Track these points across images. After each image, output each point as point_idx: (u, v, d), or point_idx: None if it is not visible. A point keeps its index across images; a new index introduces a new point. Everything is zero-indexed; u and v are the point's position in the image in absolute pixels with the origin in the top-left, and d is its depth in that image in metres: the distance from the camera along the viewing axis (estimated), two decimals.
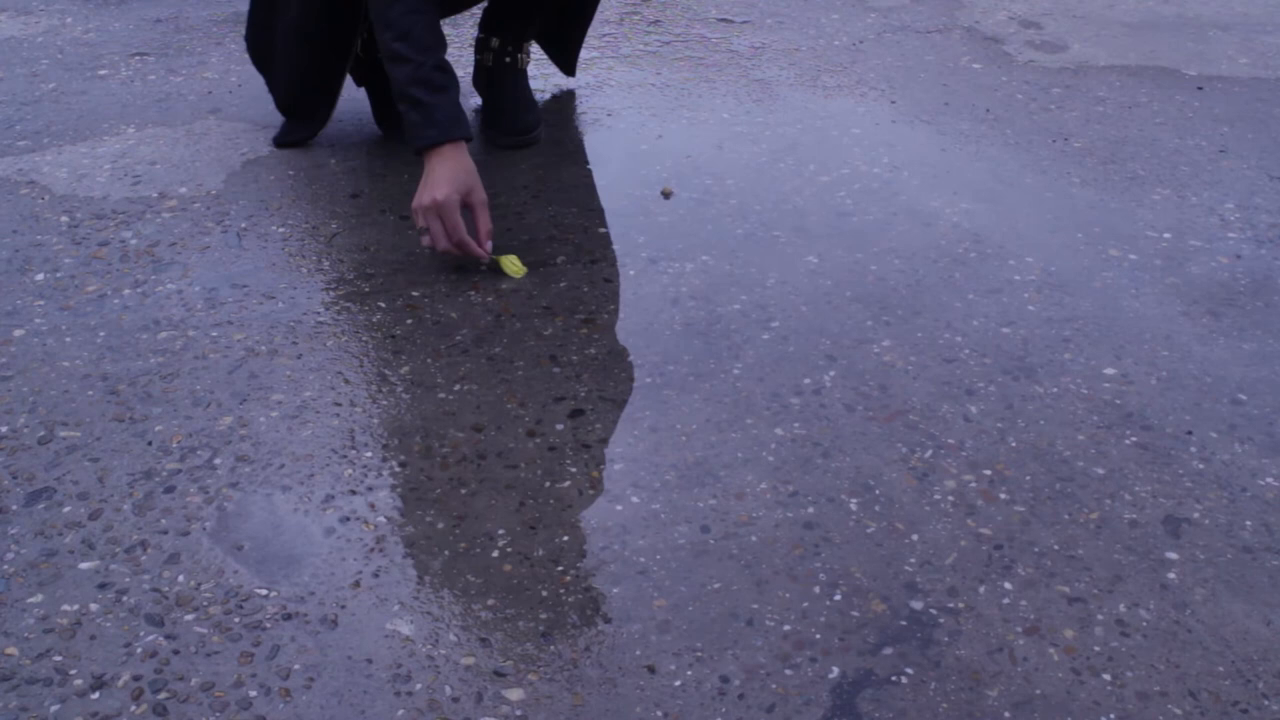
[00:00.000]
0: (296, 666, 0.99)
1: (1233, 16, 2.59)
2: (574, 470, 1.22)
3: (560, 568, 1.09)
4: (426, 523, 1.14)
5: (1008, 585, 1.07)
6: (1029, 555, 1.11)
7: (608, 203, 1.76)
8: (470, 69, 2.11)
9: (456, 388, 1.34)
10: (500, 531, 1.13)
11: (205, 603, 1.05)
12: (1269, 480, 1.20)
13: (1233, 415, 1.30)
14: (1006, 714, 0.95)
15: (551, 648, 1.01)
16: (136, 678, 0.97)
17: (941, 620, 1.03)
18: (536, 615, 1.04)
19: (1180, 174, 1.86)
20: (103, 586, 1.06)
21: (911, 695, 0.96)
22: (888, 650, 1.00)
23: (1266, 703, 0.95)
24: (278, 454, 1.23)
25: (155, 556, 1.10)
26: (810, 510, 1.16)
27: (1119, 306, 1.50)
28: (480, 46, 2.00)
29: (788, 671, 0.98)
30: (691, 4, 2.66)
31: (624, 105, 2.11)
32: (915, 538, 1.13)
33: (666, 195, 1.78)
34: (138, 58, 2.33)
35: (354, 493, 1.18)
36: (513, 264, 1.57)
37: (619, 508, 1.16)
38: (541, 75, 2.21)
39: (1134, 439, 1.26)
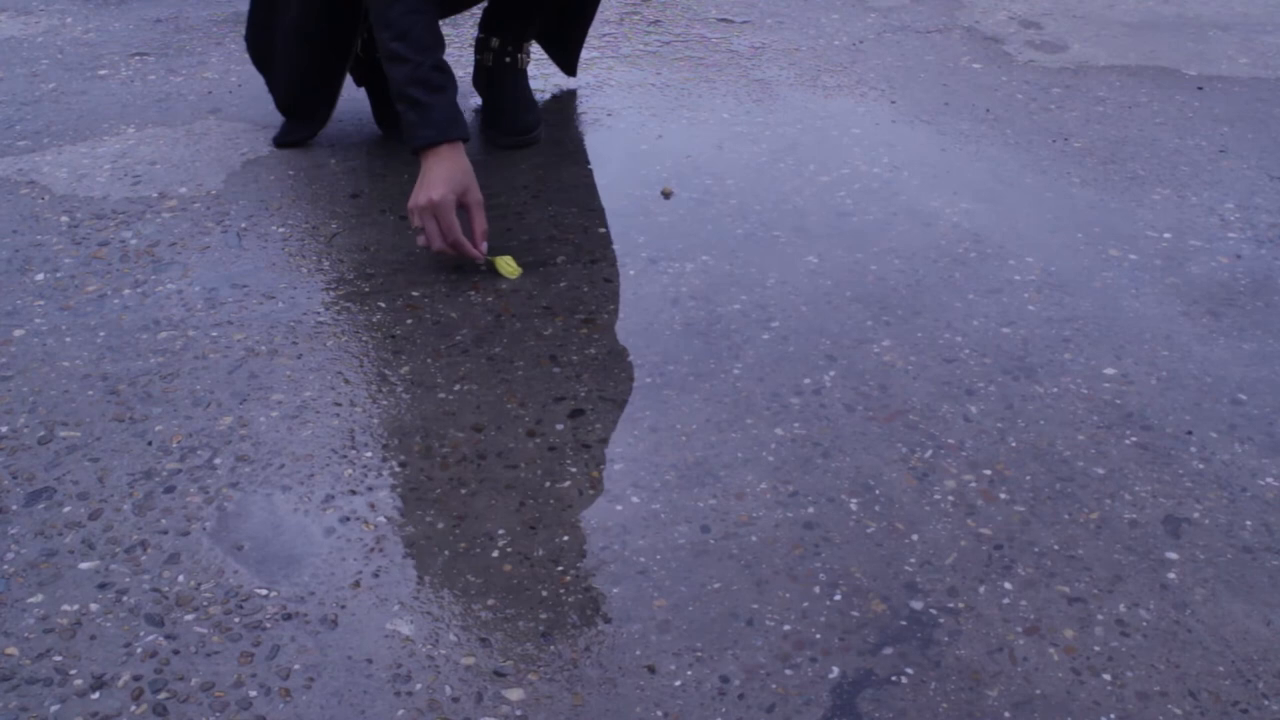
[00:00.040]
0: (296, 666, 0.99)
1: (1233, 16, 2.59)
2: (574, 470, 1.22)
3: (560, 568, 1.09)
4: (426, 523, 1.14)
5: (1008, 585, 1.07)
6: (1029, 555, 1.11)
7: (608, 203, 1.76)
8: (470, 69, 2.11)
9: (456, 388, 1.34)
10: (500, 531, 1.13)
11: (205, 603, 1.05)
12: (1269, 480, 1.20)
13: (1233, 415, 1.30)
14: (1006, 714, 0.95)
15: (551, 648, 1.01)
16: (136, 678, 0.97)
17: (941, 620, 1.03)
18: (536, 615, 1.04)
19: (1180, 174, 1.86)
20: (103, 586, 1.06)
21: (911, 695, 0.96)
22: (888, 650, 1.00)
23: (1266, 703, 0.95)
24: (278, 454, 1.23)
25: (155, 556, 1.10)
26: (810, 510, 1.16)
27: (1119, 306, 1.50)
28: (480, 46, 2.00)
29: (788, 671, 0.98)
30: (691, 4, 2.66)
31: (624, 105, 2.11)
32: (915, 538, 1.13)
33: (666, 195, 1.78)
34: (138, 58, 2.33)
35: (354, 493, 1.18)
36: (508, 265, 1.57)
37: (619, 508, 1.16)
38: (541, 75, 2.21)
39: (1134, 439, 1.26)
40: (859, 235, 1.67)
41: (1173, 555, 1.11)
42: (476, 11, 2.25)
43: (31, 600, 1.05)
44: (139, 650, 1.00)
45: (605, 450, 1.24)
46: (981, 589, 1.07)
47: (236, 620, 1.03)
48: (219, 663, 0.99)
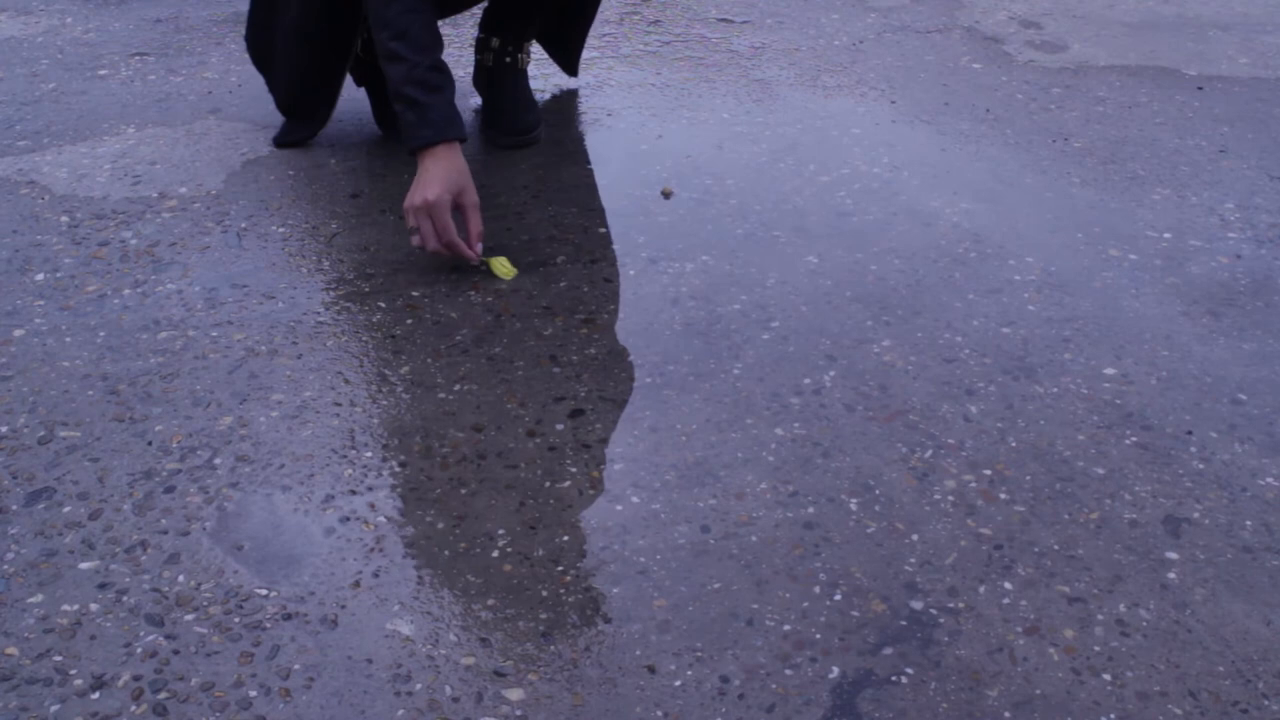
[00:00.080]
0: (296, 666, 0.99)
1: (1233, 16, 2.59)
2: (574, 470, 1.22)
3: (560, 568, 1.09)
4: (426, 523, 1.14)
5: (1008, 585, 1.07)
6: (1029, 555, 1.11)
7: (608, 203, 1.76)
8: (470, 69, 2.11)
9: (456, 388, 1.34)
10: (500, 531, 1.13)
11: (205, 603, 1.05)
12: (1269, 480, 1.20)
13: (1233, 415, 1.30)
14: (1006, 714, 0.95)
15: (551, 648, 1.01)
16: (136, 678, 0.97)
17: (941, 620, 1.03)
18: (536, 615, 1.04)
19: (1180, 174, 1.86)
20: (103, 586, 1.06)
21: (911, 695, 0.96)
22: (888, 650, 1.00)
23: (1266, 703, 0.95)
24: (278, 454, 1.23)
25: (155, 556, 1.10)
26: (810, 510, 1.16)
27: (1119, 306, 1.50)
28: (480, 46, 2.00)
29: (788, 671, 0.98)
30: (691, 4, 2.66)
31: (624, 105, 2.11)
32: (915, 538, 1.13)
33: (666, 195, 1.78)
34: (138, 58, 2.33)
35: (354, 493, 1.18)
36: (503, 266, 1.57)
37: (619, 508, 1.16)
38: (541, 75, 2.21)
39: (1134, 439, 1.26)
40: (859, 235, 1.67)
41: (1173, 555, 1.11)
42: (476, 11, 2.25)
43: (31, 600, 1.05)
44: (139, 650, 1.00)
45: (605, 450, 1.24)
46: (981, 589, 1.07)
47: (236, 620, 1.03)
48: (219, 663, 0.99)
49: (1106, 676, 0.98)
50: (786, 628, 1.02)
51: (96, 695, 0.96)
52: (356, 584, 1.07)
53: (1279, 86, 2.21)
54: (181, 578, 1.08)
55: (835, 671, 0.98)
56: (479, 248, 1.56)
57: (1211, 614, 1.04)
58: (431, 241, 1.52)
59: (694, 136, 1.98)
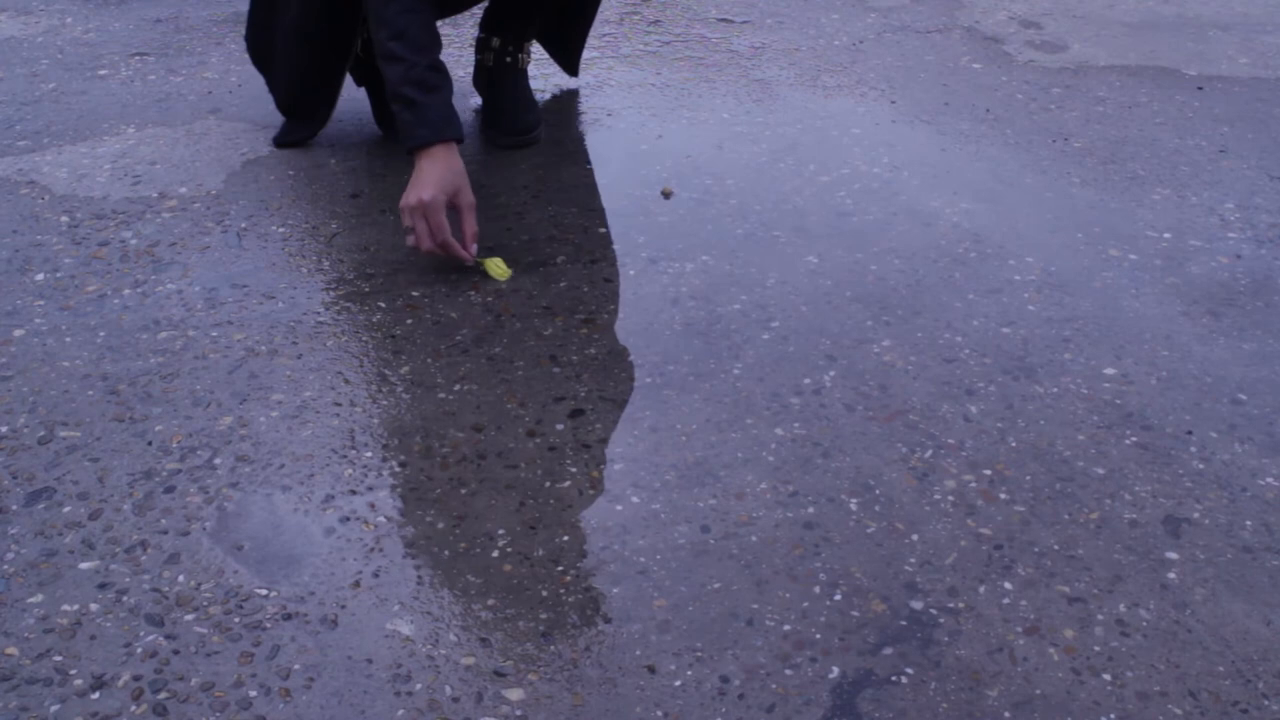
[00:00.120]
0: (296, 666, 0.99)
1: (1233, 16, 2.59)
2: (574, 470, 1.22)
3: (560, 568, 1.09)
4: (426, 523, 1.14)
5: (1008, 585, 1.07)
6: (1029, 555, 1.11)
7: (608, 203, 1.76)
8: (470, 69, 2.11)
9: (456, 388, 1.34)
10: (500, 531, 1.13)
11: (205, 603, 1.05)
12: (1269, 480, 1.20)
13: (1233, 415, 1.30)
14: (1006, 714, 0.95)
15: (551, 648, 1.01)
16: (136, 678, 0.97)
17: (941, 620, 1.03)
18: (536, 615, 1.04)
19: (1180, 174, 1.86)
20: (103, 586, 1.06)
21: (911, 695, 0.96)
22: (888, 650, 1.00)
23: (1266, 703, 0.95)
24: (278, 454, 1.23)
25: (155, 556, 1.10)
26: (810, 510, 1.16)
27: (1119, 306, 1.50)
28: (481, 46, 2.00)
29: (788, 671, 0.98)
30: (691, 4, 2.66)
31: (624, 105, 2.11)
32: (915, 538, 1.13)
33: (666, 195, 1.78)
34: (138, 58, 2.33)
35: (354, 493, 1.18)
36: (498, 266, 1.57)
37: (619, 508, 1.16)
38: (541, 75, 2.21)
39: (1134, 439, 1.26)
40: (859, 235, 1.67)
41: (1173, 555, 1.11)
42: (477, 11, 2.25)
43: (31, 600, 1.05)
44: (139, 650, 1.00)
45: (605, 450, 1.24)
46: (981, 589, 1.07)
47: (236, 620, 1.03)
48: (219, 663, 0.99)
49: (1106, 676, 0.98)
50: (786, 628, 1.02)
51: (96, 695, 0.96)
52: (356, 584, 1.07)
53: (1279, 86, 2.21)
54: (181, 578, 1.08)
55: (835, 671, 0.98)
56: (474, 248, 1.56)
57: (1211, 614, 1.04)
58: (426, 241, 1.52)
59: (694, 136, 1.98)
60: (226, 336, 1.43)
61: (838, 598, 1.06)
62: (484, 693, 0.96)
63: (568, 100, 2.14)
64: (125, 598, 1.05)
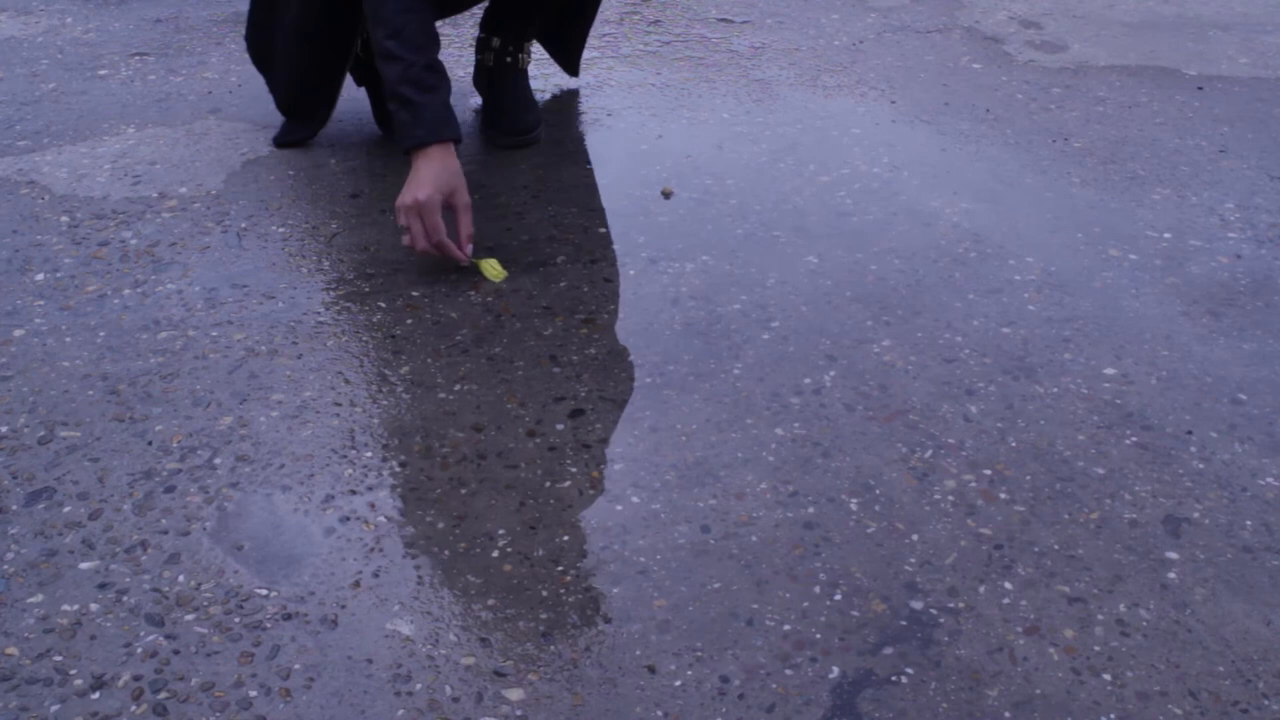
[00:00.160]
0: (296, 666, 0.99)
1: (1233, 16, 2.59)
2: (574, 470, 1.22)
3: (560, 568, 1.09)
4: (426, 523, 1.14)
5: (1008, 585, 1.07)
6: (1029, 555, 1.11)
7: (608, 203, 1.76)
8: (470, 69, 2.11)
9: (456, 388, 1.34)
10: (500, 531, 1.13)
11: (205, 603, 1.05)
12: (1269, 480, 1.20)
13: (1233, 415, 1.30)
14: (1006, 714, 0.95)
15: (551, 648, 1.01)
16: (136, 678, 0.97)
17: (941, 620, 1.03)
18: (536, 615, 1.04)
19: (1180, 174, 1.86)
20: (103, 586, 1.06)
21: (911, 695, 0.96)
22: (888, 650, 1.00)
23: (1266, 703, 0.95)
24: (278, 454, 1.23)
25: (155, 556, 1.10)
26: (810, 510, 1.16)
27: (1119, 306, 1.50)
28: (481, 46, 2.00)
29: (788, 671, 0.98)
30: (691, 4, 2.66)
31: (624, 105, 2.11)
32: (915, 538, 1.13)
33: (666, 195, 1.78)
34: (138, 58, 2.33)
35: (354, 493, 1.18)
36: (493, 268, 1.56)
37: (619, 508, 1.16)
38: (542, 75, 2.21)
39: (1134, 439, 1.26)
40: (859, 235, 1.67)
41: (1173, 555, 1.11)
42: (477, 11, 2.25)
43: (31, 600, 1.05)
44: (139, 650, 1.00)
45: (605, 450, 1.24)
46: (981, 589, 1.07)
47: (236, 620, 1.03)
48: (219, 663, 0.99)
49: (1106, 676, 0.98)
50: (786, 628, 1.02)
51: (96, 695, 0.96)
52: (356, 584, 1.07)
53: (1279, 86, 2.21)
54: (181, 578, 1.08)
55: (835, 671, 0.98)
56: (469, 249, 1.55)
57: (1211, 614, 1.04)
58: (421, 241, 1.52)
59: (694, 136, 1.98)
60: (226, 336, 1.43)
61: (838, 598, 1.06)
62: (484, 693, 0.96)
63: (568, 100, 2.14)
64: (125, 598, 1.05)
